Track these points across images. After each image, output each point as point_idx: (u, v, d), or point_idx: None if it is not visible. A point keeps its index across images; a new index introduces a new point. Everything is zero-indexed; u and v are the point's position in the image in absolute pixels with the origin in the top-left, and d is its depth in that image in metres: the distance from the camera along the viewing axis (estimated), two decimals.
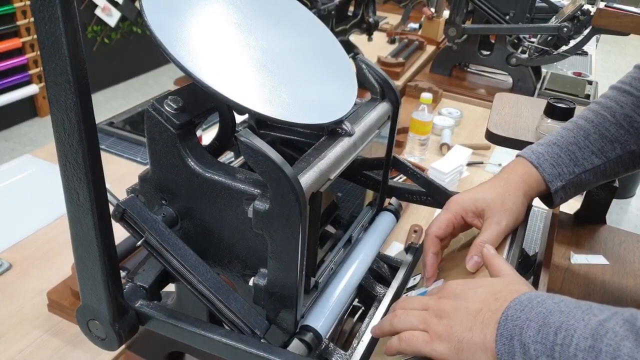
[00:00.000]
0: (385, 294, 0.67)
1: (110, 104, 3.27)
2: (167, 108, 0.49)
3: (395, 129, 0.66)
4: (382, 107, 0.62)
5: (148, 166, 0.54)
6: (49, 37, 0.35)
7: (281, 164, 0.43)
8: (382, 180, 0.70)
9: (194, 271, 0.51)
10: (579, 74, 1.90)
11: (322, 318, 0.55)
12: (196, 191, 0.51)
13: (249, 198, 0.48)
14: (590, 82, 1.75)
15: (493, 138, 0.65)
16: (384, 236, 0.69)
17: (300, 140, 0.67)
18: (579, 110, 0.68)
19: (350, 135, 0.55)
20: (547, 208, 0.73)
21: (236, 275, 0.55)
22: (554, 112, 0.65)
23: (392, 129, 0.66)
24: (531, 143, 0.65)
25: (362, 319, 0.72)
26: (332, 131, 0.55)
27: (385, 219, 0.71)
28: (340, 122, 0.54)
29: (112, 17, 3.38)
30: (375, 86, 0.63)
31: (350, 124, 0.55)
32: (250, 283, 0.52)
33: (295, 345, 0.51)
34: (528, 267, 0.62)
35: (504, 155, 1.36)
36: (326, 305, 0.57)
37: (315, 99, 0.54)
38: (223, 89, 0.45)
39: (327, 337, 0.56)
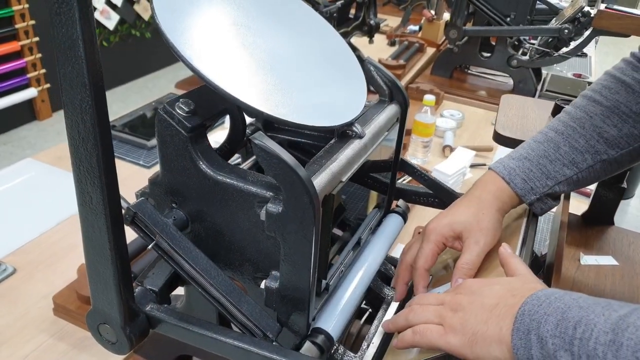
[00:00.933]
0: (393, 296, 0.67)
1: (109, 107, 3.23)
2: (178, 111, 0.48)
3: (404, 131, 0.66)
4: (391, 109, 0.62)
5: (156, 169, 0.54)
6: (66, 40, 0.35)
7: (295, 167, 0.43)
8: (390, 182, 0.70)
9: (205, 274, 0.51)
10: (579, 76, 1.91)
11: (333, 320, 0.55)
12: (208, 194, 0.51)
13: (261, 201, 0.48)
14: (590, 84, 1.75)
15: (501, 140, 0.65)
16: (393, 238, 0.69)
17: (307, 143, 0.67)
18: None
19: (360, 137, 0.55)
20: (554, 210, 0.73)
21: (247, 278, 0.55)
22: None
23: (400, 131, 0.66)
24: None
25: (369, 321, 0.72)
26: (342, 133, 0.55)
27: (393, 221, 0.71)
28: (350, 124, 0.54)
29: (110, 20, 3.37)
30: (384, 88, 0.63)
31: (361, 126, 0.55)
32: (262, 286, 0.52)
33: (308, 348, 0.51)
34: (537, 268, 0.63)
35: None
36: (337, 307, 0.57)
37: (326, 101, 0.54)
38: (236, 91, 0.45)
39: (337, 339, 0.56)
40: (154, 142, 1.31)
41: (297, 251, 0.47)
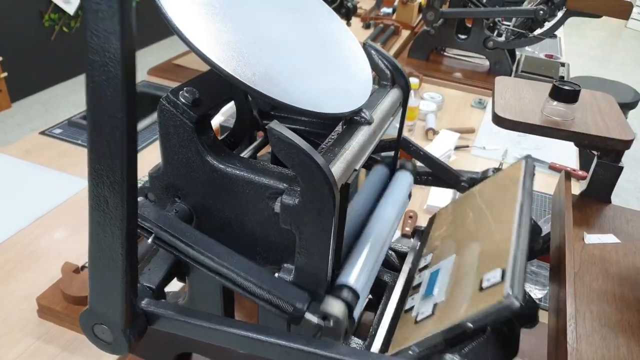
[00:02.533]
0: (397, 279, 0.66)
1: (73, 96, 3.13)
2: (182, 100, 0.46)
3: (406, 113, 0.65)
4: (394, 94, 0.61)
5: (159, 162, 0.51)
6: (101, 33, 0.32)
7: (315, 157, 0.41)
8: (392, 161, 0.69)
9: (218, 258, 0.48)
10: (551, 56, 1.94)
11: (355, 274, 0.51)
12: (214, 187, 0.49)
13: (273, 192, 0.47)
14: (563, 64, 1.79)
15: (502, 122, 0.65)
16: (404, 196, 0.65)
17: (306, 130, 0.66)
18: (583, 92, 0.68)
19: (369, 123, 0.53)
20: (551, 192, 0.73)
21: None
22: (560, 95, 0.65)
23: (402, 114, 0.65)
24: (539, 126, 0.65)
25: (369, 308, 0.71)
26: (350, 120, 0.53)
27: (402, 177, 0.68)
28: (359, 110, 0.53)
29: (70, 4, 3.22)
30: (386, 72, 0.62)
31: (368, 111, 0.54)
32: None
33: (331, 303, 0.47)
34: (545, 250, 0.63)
35: (488, 138, 1.37)
36: (357, 261, 0.52)
37: (333, 87, 0.52)
38: (247, 79, 0.43)
39: (364, 295, 0.51)
40: None
41: (314, 243, 0.46)
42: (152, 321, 0.52)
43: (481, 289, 0.47)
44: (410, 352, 0.48)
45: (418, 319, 0.51)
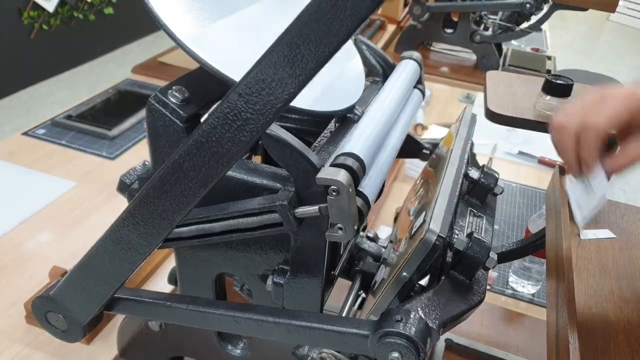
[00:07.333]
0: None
1: (55, 95, 3.07)
2: (172, 99, 0.44)
3: None
4: None
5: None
6: None
7: (310, 156, 0.40)
8: None
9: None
10: (537, 50, 1.95)
11: (360, 143, 0.43)
12: None
13: (267, 193, 0.45)
14: (549, 58, 1.79)
15: (496, 118, 0.64)
16: (412, 82, 0.60)
17: (296, 129, 0.64)
18: (577, 86, 0.68)
19: None
20: (543, 187, 0.73)
21: (251, 274, 0.52)
22: (552, 89, 0.64)
23: None
24: (533, 122, 0.65)
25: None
26: (343, 117, 0.52)
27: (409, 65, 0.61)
28: (352, 107, 0.52)
29: (50, 1, 3.16)
30: (377, 67, 0.61)
31: (361, 108, 0.53)
32: (269, 282, 0.50)
33: (333, 172, 0.39)
34: (539, 246, 0.63)
35: (477, 133, 1.37)
36: (362, 133, 0.45)
37: (326, 84, 0.51)
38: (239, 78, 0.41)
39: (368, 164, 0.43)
40: (115, 131, 1.24)
41: (309, 244, 0.45)
42: (110, 307, 0.50)
43: (411, 237, 0.45)
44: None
45: (374, 287, 0.51)
